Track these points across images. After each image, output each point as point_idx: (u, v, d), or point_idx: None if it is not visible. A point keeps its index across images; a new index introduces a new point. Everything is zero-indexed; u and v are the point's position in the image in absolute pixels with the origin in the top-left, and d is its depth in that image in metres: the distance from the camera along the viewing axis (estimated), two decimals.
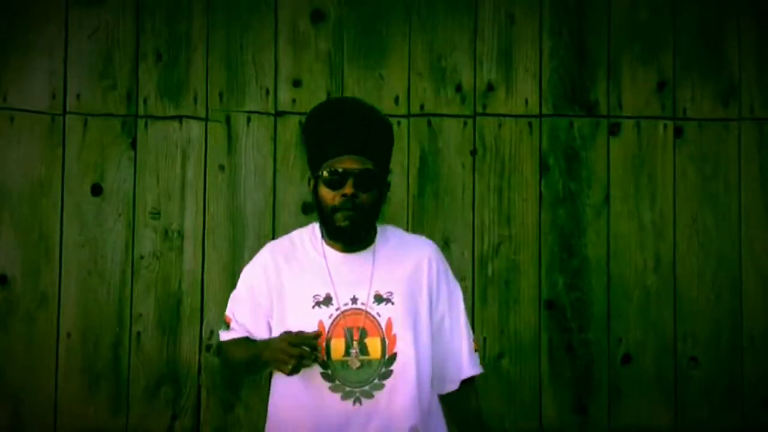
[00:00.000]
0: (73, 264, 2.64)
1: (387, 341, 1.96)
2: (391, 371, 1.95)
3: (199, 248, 2.67)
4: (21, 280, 2.62)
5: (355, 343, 1.94)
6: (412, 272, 2.05)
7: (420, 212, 2.72)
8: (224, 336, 2.13)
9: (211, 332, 2.64)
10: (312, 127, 2.07)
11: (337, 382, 1.93)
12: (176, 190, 2.68)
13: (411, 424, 1.95)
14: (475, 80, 2.77)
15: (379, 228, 2.09)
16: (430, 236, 2.24)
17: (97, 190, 2.66)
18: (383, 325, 1.97)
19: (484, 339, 2.69)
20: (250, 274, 2.11)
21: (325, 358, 1.92)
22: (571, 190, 2.76)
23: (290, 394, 1.98)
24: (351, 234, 1.98)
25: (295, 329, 1.92)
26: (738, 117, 2.80)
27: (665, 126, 2.79)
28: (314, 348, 1.87)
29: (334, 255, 2.03)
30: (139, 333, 2.64)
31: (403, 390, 1.95)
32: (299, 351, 1.85)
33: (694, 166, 2.79)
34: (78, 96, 2.67)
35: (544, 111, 2.77)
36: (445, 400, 2.10)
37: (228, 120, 2.71)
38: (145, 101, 2.69)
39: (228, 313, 2.12)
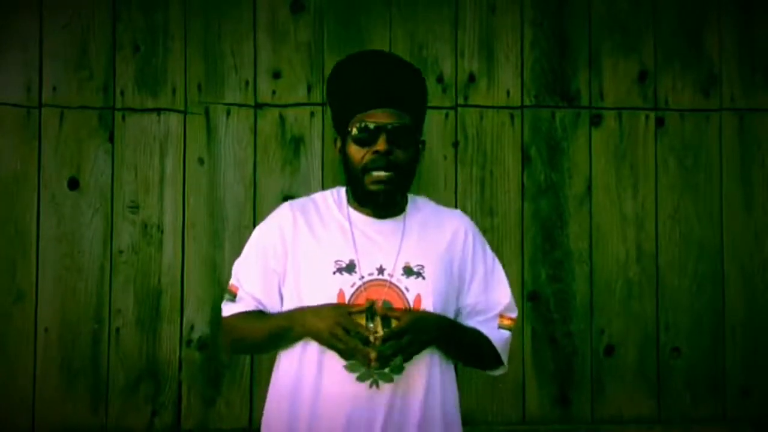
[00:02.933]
0: (50, 259, 2.60)
1: None
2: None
3: (179, 242, 2.64)
4: None
5: (377, 318, 1.66)
6: (447, 246, 1.82)
7: None
8: (229, 309, 1.85)
9: (192, 327, 2.61)
10: (338, 80, 1.83)
11: (354, 361, 1.68)
12: (155, 183, 2.65)
13: (428, 412, 1.72)
14: (456, 71, 2.75)
15: (410, 197, 1.88)
16: None
17: (73, 183, 2.62)
18: (411, 300, 1.73)
19: None
20: (262, 235, 1.85)
21: (374, 362, 1.61)
22: (553, 182, 2.76)
23: (296, 369, 1.75)
24: (384, 196, 1.74)
25: (311, 297, 1.70)
26: (719, 107, 2.81)
27: (647, 116, 2.79)
28: (366, 342, 1.62)
29: (360, 219, 1.80)
30: (118, 329, 2.60)
31: (425, 376, 1.73)
32: (355, 343, 1.61)
33: (675, 156, 2.79)
34: (54, 88, 2.63)
35: (526, 102, 2.76)
36: None
37: (207, 112, 2.67)
38: (122, 93, 2.65)
39: (233, 281, 1.85)
